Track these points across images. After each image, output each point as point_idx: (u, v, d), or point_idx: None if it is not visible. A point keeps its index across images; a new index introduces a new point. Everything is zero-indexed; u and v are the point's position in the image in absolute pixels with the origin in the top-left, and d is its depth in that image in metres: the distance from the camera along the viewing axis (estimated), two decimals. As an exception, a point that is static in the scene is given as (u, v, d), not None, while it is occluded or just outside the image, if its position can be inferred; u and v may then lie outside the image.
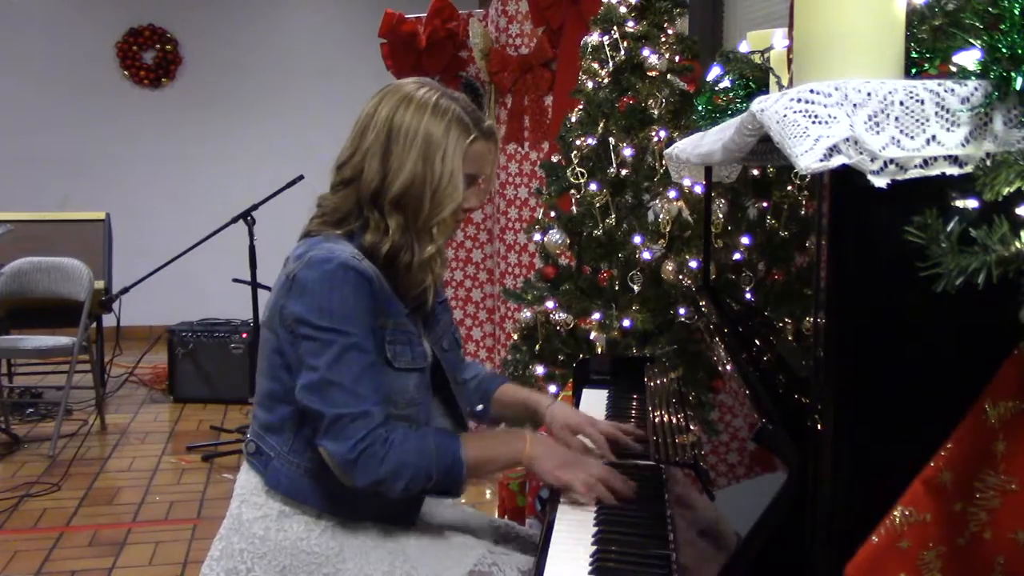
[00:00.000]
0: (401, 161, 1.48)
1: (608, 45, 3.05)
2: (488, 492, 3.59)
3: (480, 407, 1.80)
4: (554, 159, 3.24)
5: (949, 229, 0.79)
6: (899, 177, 0.86)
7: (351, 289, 1.45)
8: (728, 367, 1.47)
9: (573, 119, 3.16)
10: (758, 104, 0.91)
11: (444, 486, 1.50)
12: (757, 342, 1.49)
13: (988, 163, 0.84)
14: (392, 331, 1.51)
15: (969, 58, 0.87)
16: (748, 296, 1.66)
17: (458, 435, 1.55)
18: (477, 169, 1.55)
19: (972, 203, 0.87)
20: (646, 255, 2.90)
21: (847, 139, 0.84)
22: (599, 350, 2.89)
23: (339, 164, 1.55)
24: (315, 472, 1.52)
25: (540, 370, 3.08)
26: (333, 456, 1.44)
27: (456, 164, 1.49)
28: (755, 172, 1.67)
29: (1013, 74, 0.83)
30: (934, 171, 0.87)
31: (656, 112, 2.95)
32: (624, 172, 3.01)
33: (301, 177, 4.16)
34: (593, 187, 3.00)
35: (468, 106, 1.55)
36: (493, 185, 1.73)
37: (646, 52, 2.99)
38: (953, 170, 0.87)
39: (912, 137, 0.86)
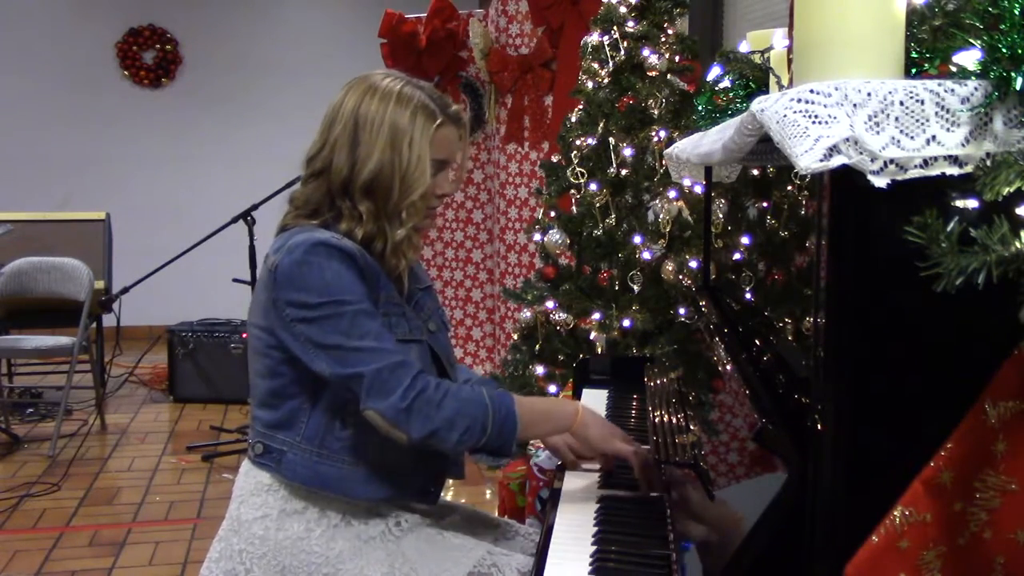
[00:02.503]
0: (369, 149, 1.50)
1: (608, 45, 3.05)
2: (488, 492, 3.59)
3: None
4: (554, 159, 3.24)
5: (949, 229, 0.79)
6: (899, 177, 0.86)
7: (338, 263, 1.45)
8: (728, 367, 1.47)
9: (573, 119, 3.16)
10: (758, 104, 0.91)
11: (497, 442, 1.48)
12: (757, 342, 1.49)
13: (988, 163, 0.84)
14: (384, 304, 1.52)
15: (969, 58, 0.87)
16: (748, 296, 1.66)
17: (510, 393, 1.56)
18: (447, 154, 1.56)
19: (972, 203, 0.87)
20: (646, 255, 2.90)
21: (847, 139, 0.84)
22: (599, 350, 2.89)
23: (309, 157, 1.57)
24: (331, 455, 1.52)
25: (540, 370, 3.08)
26: (384, 413, 1.42)
27: (423, 149, 1.51)
28: (755, 172, 1.67)
29: (1013, 74, 0.83)
30: (934, 171, 0.87)
31: (656, 112, 2.96)
32: (624, 172, 3.01)
33: (300, 177, 4.16)
34: (593, 187, 3.00)
35: (433, 93, 1.57)
36: (466, 171, 1.75)
37: (646, 52, 3.00)
38: (953, 170, 0.87)
39: (912, 137, 0.86)
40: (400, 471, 1.54)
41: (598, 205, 2.99)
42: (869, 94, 0.86)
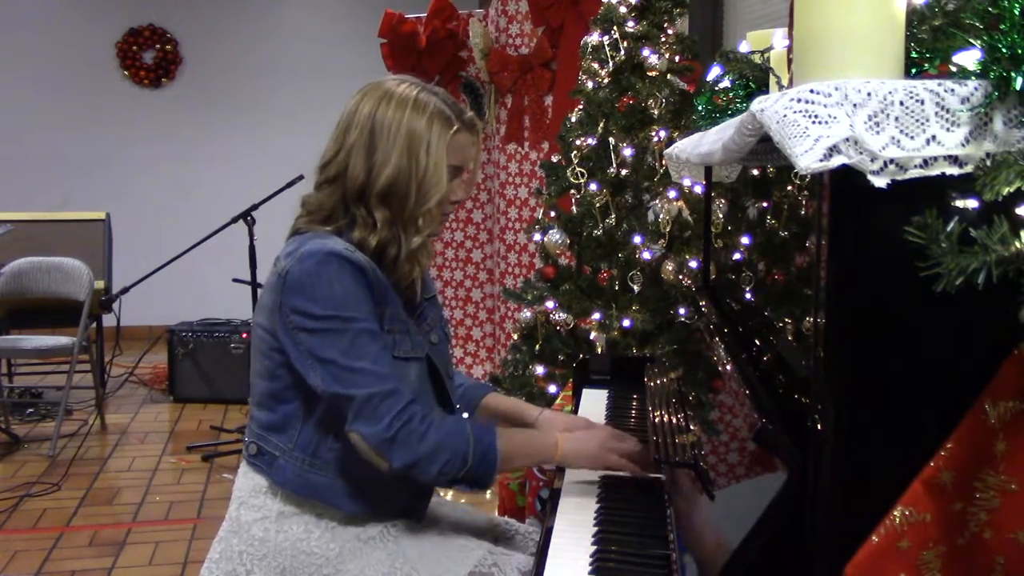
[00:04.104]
0: (386, 156, 1.49)
1: (608, 45, 3.05)
2: (488, 492, 3.59)
3: (464, 416, 1.80)
4: (554, 159, 3.24)
5: (949, 229, 0.79)
6: (899, 177, 0.86)
7: (349, 277, 1.45)
8: (728, 367, 1.47)
9: (573, 119, 3.16)
10: (758, 104, 0.91)
11: (476, 474, 1.49)
12: (757, 342, 1.49)
13: (988, 163, 0.84)
14: (390, 320, 1.51)
15: (969, 58, 0.87)
16: (748, 296, 1.66)
17: (494, 426, 1.56)
18: (461, 160, 1.56)
19: (972, 203, 0.87)
20: (646, 255, 2.90)
21: (847, 139, 0.84)
22: (599, 350, 2.89)
23: (323, 163, 1.56)
24: (322, 466, 1.52)
25: (540, 370, 3.08)
26: (368, 438, 1.43)
27: (440, 156, 1.51)
28: (755, 172, 1.67)
29: (1013, 74, 0.83)
30: (934, 171, 0.87)
31: (656, 112, 2.95)
32: (624, 172, 3.01)
33: (301, 177, 4.17)
34: (593, 187, 3.00)
35: (448, 99, 1.57)
36: (477, 177, 1.75)
37: (646, 52, 2.99)
38: (953, 170, 0.87)
39: (912, 137, 0.86)
40: (389, 488, 1.53)
41: (598, 205, 2.99)
42: (869, 94, 0.86)
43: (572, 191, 3.09)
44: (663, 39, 3.04)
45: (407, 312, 1.60)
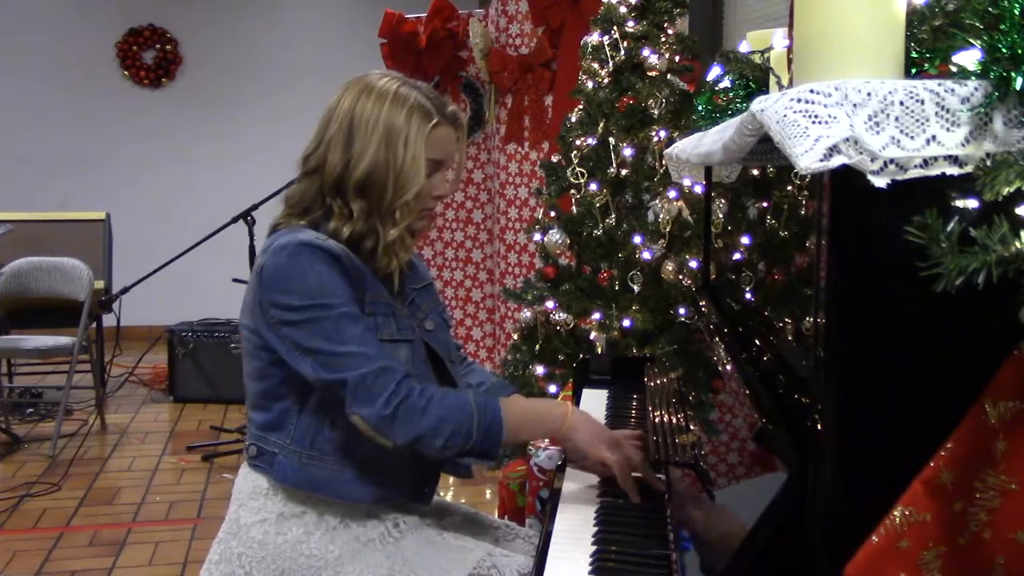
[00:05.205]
0: (364, 148, 1.49)
1: (608, 45, 3.05)
2: (488, 492, 3.59)
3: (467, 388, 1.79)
4: (554, 159, 3.24)
5: (949, 229, 0.79)
6: (899, 177, 0.86)
7: (323, 265, 1.45)
8: (728, 367, 1.47)
9: (573, 119, 3.16)
10: (758, 104, 0.91)
11: (483, 447, 1.47)
12: (757, 342, 1.49)
13: (988, 163, 0.84)
14: (370, 303, 1.51)
15: (969, 58, 0.87)
16: (748, 296, 1.66)
17: (497, 397, 1.54)
18: (443, 154, 1.56)
19: (972, 203, 0.87)
20: (646, 255, 2.90)
21: (847, 139, 0.84)
22: (599, 350, 2.89)
23: (304, 156, 1.57)
24: (322, 458, 1.52)
25: (540, 370, 3.08)
26: (368, 419, 1.42)
27: (418, 149, 1.50)
28: (755, 172, 1.67)
29: (1013, 74, 0.83)
30: (934, 171, 0.86)
31: (656, 112, 2.96)
32: (624, 172, 3.01)
33: (300, 177, 4.16)
34: (593, 187, 3.00)
35: (431, 93, 1.56)
36: (463, 173, 1.69)
37: (646, 52, 3.00)
38: (953, 170, 0.87)
39: (912, 137, 0.86)
40: (393, 472, 1.54)
41: (598, 205, 2.99)
42: (869, 94, 0.86)
43: (572, 191, 3.10)
44: (663, 39, 3.04)
45: (399, 301, 1.60)
